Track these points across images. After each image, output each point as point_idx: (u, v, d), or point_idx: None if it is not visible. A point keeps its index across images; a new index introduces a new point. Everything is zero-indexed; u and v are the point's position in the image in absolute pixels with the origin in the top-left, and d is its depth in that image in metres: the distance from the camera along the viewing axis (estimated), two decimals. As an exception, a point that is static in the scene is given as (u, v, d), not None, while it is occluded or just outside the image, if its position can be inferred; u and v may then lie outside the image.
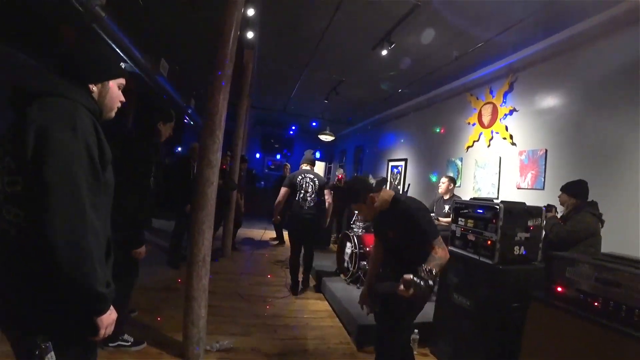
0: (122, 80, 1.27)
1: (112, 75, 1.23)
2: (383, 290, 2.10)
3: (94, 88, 1.17)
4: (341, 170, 8.12)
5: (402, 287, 1.69)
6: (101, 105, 1.20)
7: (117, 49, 4.57)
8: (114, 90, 1.24)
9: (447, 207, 4.57)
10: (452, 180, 4.90)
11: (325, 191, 4.42)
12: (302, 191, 4.30)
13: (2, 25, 4.61)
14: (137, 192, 2.35)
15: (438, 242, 1.91)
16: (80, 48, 1.19)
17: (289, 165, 8.27)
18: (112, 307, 1.09)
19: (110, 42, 4.51)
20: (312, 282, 4.70)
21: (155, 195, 2.69)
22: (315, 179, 4.40)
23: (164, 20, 4.91)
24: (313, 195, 4.31)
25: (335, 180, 8.13)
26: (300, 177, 4.37)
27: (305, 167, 4.54)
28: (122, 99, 1.28)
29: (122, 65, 1.22)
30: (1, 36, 4.80)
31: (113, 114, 1.27)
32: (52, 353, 0.98)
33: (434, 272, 1.77)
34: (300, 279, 4.50)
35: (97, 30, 4.23)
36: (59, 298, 0.99)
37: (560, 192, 3.29)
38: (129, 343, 2.66)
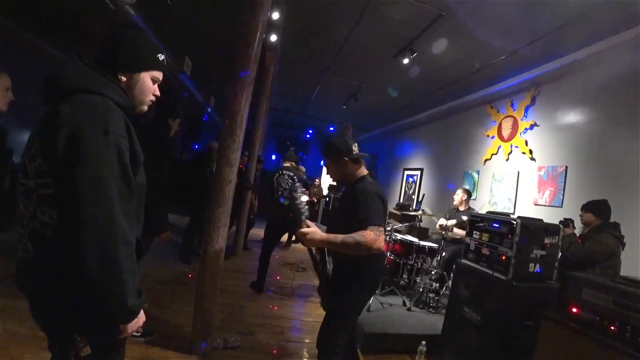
0: (156, 74, 1.18)
1: (144, 66, 1.14)
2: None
3: (122, 77, 1.10)
4: None
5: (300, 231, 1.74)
6: (133, 96, 1.13)
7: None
8: (146, 83, 1.15)
9: (464, 217, 4.50)
10: (467, 193, 4.85)
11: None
12: (280, 189, 4.23)
13: (34, 20, 4.80)
14: (154, 185, 2.43)
15: (374, 228, 1.75)
16: (114, 34, 1.11)
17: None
18: (141, 312, 1.06)
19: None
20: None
21: (170, 189, 2.81)
22: (295, 176, 4.29)
23: (190, 20, 5.02)
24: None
25: (316, 180, 8.38)
26: (276, 174, 4.30)
27: (286, 164, 4.48)
28: (157, 93, 1.21)
29: (161, 57, 1.19)
30: (33, 30, 4.99)
31: (145, 107, 1.20)
32: (89, 347, 0.98)
33: (339, 240, 1.71)
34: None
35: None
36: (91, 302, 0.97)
37: (582, 211, 3.23)
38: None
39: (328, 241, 1.76)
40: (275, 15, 4.32)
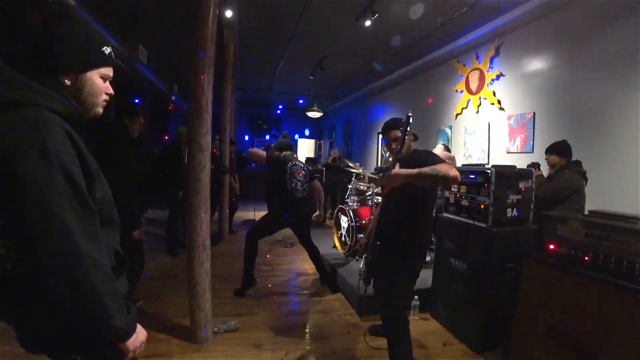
0: (105, 70, 1.02)
1: (91, 64, 0.98)
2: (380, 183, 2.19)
3: (66, 81, 0.94)
4: (336, 150, 8.09)
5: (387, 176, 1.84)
6: (79, 101, 0.97)
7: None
8: (96, 83, 1.00)
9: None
10: (447, 149, 4.92)
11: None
12: (295, 180, 3.68)
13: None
14: (120, 183, 2.34)
15: (448, 164, 1.90)
16: (47, 29, 0.93)
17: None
18: (140, 328, 1.01)
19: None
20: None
21: (142, 184, 2.76)
22: (305, 167, 3.83)
23: (138, 4, 4.72)
24: (305, 185, 3.76)
25: (329, 158, 8.05)
26: (289, 164, 3.69)
27: (286, 153, 3.83)
28: (110, 91, 1.05)
29: (107, 49, 1.01)
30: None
31: (99, 110, 1.05)
32: None
33: (421, 172, 1.82)
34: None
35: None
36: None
37: (547, 154, 3.37)
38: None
39: (412, 174, 1.82)
40: (228, -11, 4.12)
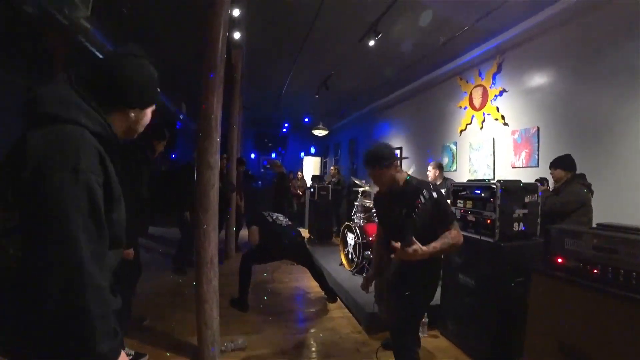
0: (154, 106, 1.18)
1: (151, 101, 1.14)
2: (394, 271, 2.16)
3: (131, 114, 1.08)
4: (334, 168, 8.40)
5: (405, 249, 1.76)
6: (133, 130, 1.12)
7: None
8: (149, 115, 1.16)
9: (442, 191, 4.59)
10: (439, 167, 4.93)
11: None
12: (274, 215, 4.00)
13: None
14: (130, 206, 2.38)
15: (455, 225, 1.94)
16: (123, 67, 1.05)
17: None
18: (123, 355, 1.00)
19: (97, 52, 4.53)
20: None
21: (148, 204, 2.79)
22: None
23: (149, 26, 4.90)
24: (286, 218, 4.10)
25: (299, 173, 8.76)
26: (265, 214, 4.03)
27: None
28: (149, 121, 1.20)
29: (159, 88, 1.20)
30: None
31: (136, 135, 1.19)
32: None
33: (438, 248, 1.83)
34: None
35: (84, 43, 4.24)
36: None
37: (552, 169, 3.40)
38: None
39: (431, 252, 1.83)
40: (236, 12, 4.26)
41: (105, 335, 0.90)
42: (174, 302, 3.83)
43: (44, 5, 3.56)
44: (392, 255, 1.99)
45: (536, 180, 3.52)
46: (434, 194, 1.94)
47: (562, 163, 3.33)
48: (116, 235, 1.04)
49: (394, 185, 2.11)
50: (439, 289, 3.20)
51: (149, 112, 1.15)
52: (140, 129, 1.16)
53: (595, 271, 1.87)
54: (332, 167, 8.69)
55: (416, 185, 2.02)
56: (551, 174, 3.41)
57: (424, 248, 1.81)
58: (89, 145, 0.91)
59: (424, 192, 1.83)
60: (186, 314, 3.33)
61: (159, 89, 1.17)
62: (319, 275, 4.02)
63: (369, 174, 2.16)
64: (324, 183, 7.96)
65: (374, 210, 4.72)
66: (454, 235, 1.89)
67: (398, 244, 1.79)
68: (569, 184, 3.20)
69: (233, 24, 4.57)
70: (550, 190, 3.46)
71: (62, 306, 0.82)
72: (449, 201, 3.35)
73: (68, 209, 0.84)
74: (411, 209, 1.77)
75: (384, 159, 2.04)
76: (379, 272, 2.40)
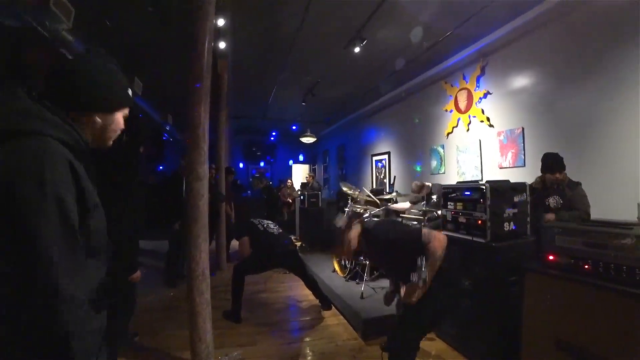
0: (126, 110, 1.13)
1: (119, 105, 1.08)
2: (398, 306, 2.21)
3: (97, 119, 1.03)
4: (310, 175, 8.99)
5: (405, 297, 1.86)
6: (102, 136, 1.07)
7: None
8: (119, 121, 1.10)
9: (434, 197, 4.58)
10: (421, 186, 4.84)
11: None
12: (264, 223, 4.00)
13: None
14: (129, 219, 2.31)
15: (427, 235, 1.96)
16: (83, 69, 1.01)
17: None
18: None
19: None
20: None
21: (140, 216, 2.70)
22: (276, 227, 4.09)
23: (133, 38, 4.86)
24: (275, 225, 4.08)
25: (288, 180, 9.30)
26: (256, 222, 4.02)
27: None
28: (122, 126, 1.14)
29: (130, 91, 1.16)
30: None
31: (110, 143, 1.14)
32: None
33: (433, 272, 1.88)
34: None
35: (67, 55, 4.17)
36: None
37: (557, 173, 3.20)
38: None
39: (425, 287, 1.88)
40: (221, 22, 4.26)
41: (84, 354, 0.86)
42: (166, 316, 3.74)
43: (24, 17, 3.50)
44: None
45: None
46: (395, 236, 2.06)
47: (559, 165, 3.21)
48: (95, 245, 1.00)
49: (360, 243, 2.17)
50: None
51: (118, 116, 1.09)
52: (112, 134, 1.10)
53: (587, 266, 1.90)
54: (307, 175, 9.39)
55: (375, 235, 2.13)
56: (556, 178, 3.22)
57: (420, 284, 1.86)
58: (55, 155, 0.87)
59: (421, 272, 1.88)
60: (179, 328, 3.25)
61: (130, 92, 1.13)
62: (312, 283, 3.99)
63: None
64: (307, 189, 8.19)
65: (365, 217, 4.72)
66: (433, 247, 1.93)
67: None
68: (574, 188, 3.15)
69: (218, 33, 4.56)
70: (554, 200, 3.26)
71: (36, 325, 0.80)
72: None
73: (37, 223, 0.81)
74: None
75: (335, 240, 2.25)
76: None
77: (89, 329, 0.89)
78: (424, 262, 1.87)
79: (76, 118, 0.99)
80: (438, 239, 1.94)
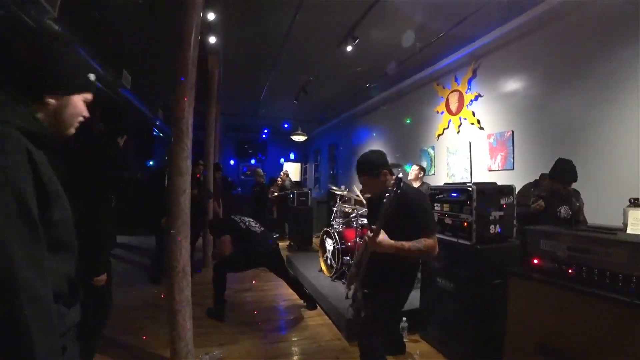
0: (88, 95, 1.07)
1: (76, 89, 1.03)
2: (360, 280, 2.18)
3: (50, 100, 0.97)
4: (284, 172, 8.83)
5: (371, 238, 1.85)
6: (58, 121, 1.01)
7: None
8: (77, 105, 1.04)
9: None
10: (422, 169, 5.00)
11: None
12: (246, 221, 3.92)
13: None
14: (100, 212, 2.22)
15: (432, 236, 1.94)
16: (41, 51, 0.96)
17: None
18: None
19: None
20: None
21: (124, 213, 2.64)
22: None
23: (122, 30, 4.76)
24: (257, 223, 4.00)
25: (278, 178, 8.92)
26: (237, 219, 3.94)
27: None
28: (86, 114, 1.08)
29: (92, 77, 1.09)
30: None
31: (72, 130, 1.07)
32: None
33: (406, 247, 1.86)
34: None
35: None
36: None
37: (568, 184, 3.03)
38: None
39: (396, 247, 1.87)
40: (212, 16, 4.19)
41: (48, 351, 0.80)
42: (148, 313, 3.67)
43: (7, 5, 3.41)
44: (366, 237, 1.99)
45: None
46: (420, 201, 2.00)
47: (573, 175, 2.99)
48: (61, 238, 0.95)
49: (383, 191, 2.09)
50: (417, 292, 3.21)
51: (76, 100, 1.03)
52: (71, 120, 1.04)
53: (570, 271, 1.89)
54: (282, 173, 9.07)
55: (405, 191, 2.02)
56: (565, 189, 3.02)
57: (391, 242, 1.85)
58: (12, 141, 0.82)
59: (408, 194, 1.86)
60: (160, 326, 3.18)
61: (91, 77, 1.07)
62: (294, 283, 3.95)
63: (360, 180, 2.17)
64: (304, 189, 8.02)
65: (352, 216, 4.69)
66: (428, 243, 1.91)
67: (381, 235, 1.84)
68: (578, 197, 3.10)
69: (209, 28, 4.50)
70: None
71: None
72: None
73: None
74: (386, 201, 1.79)
75: (374, 167, 2.07)
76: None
77: (54, 325, 0.84)
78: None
79: (32, 103, 0.94)
80: (435, 246, 1.95)
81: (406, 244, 1.88)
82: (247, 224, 3.84)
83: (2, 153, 0.79)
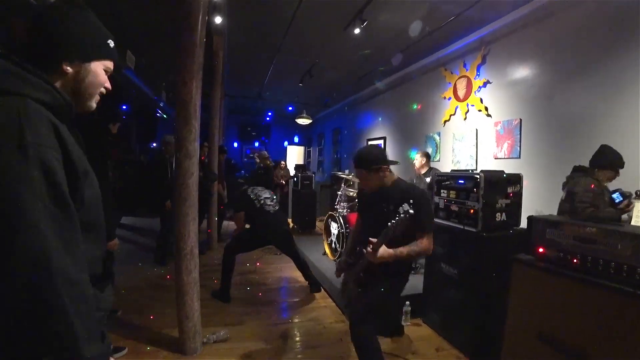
0: (109, 63, 0.98)
1: (96, 54, 0.94)
2: (354, 276, 2.24)
3: (68, 68, 0.88)
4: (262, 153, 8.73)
5: (370, 249, 1.89)
6: (78, 93, 0.92)
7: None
8: (98, 73, 0.95)
9: (428, 180, 4.60)
10: (426, 155, 4.93)
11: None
12: (261, 198, 3.85)
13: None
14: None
15: (429, 235, 2.02)
16: (54, 13, 0.87)
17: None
18: None
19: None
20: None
21: (125, 193, 2.76)
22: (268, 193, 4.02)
23: (127, 9, 4.68)
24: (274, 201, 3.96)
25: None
26: (248, 190, 3.93)
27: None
28: (108, 85, 1.00)
29: (111, 43, 0.98)
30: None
31: (93, 103, 0.99)
32: None
33: (405, 253, 1.93)
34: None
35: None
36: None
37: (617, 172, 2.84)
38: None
39: (395, 255, 1.94)
40: (217, -4, 4.11)
41: (87, 337, 0.76)
42: (155, 294, 3.74)
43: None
44: (365, 250, 2.00)
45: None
46: (422, 199, 2.02)
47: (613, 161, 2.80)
48: (91, 220, 0.90)
49: (382, 186, 2.15)
50: (420, 277, 3.26)
51: (97, 68, 0.95)
52: (91, 90, 0.95)
53: (575, 261, 1.89)
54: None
55: (404, 189, 2.09)
56: (605, 178, 2.82)
57: (390, 251, 1.91)
58: (34, 115, 0.76)
59: (404, 206, 1.84)
60: (167, 307, 3.25)
61: (111, 44, 0.99)
62: (302, 264, 3.99)
63: (356, 173, 2.18)
64: (308, 172, 8.00)
65: (357, 200, 4.71)
66: (424, 244, 2.00)
67: (371, 246, 1.90)
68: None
69: (214, 8, 4.41)
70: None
71: (31, 309, 0.69)
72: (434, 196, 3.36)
73: (19, 192, 0.70)
74: (391, 214, 1.84)
75: (374, 162, 2.08)
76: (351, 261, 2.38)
77: (93, 311, 0.80)
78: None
79: (51, 74, 0.87)
80: (431, 245, 2.04)
81: (404, 250, 1.96)
82: (262, 202, 3.78)
83: (26, 128, 0.73)
